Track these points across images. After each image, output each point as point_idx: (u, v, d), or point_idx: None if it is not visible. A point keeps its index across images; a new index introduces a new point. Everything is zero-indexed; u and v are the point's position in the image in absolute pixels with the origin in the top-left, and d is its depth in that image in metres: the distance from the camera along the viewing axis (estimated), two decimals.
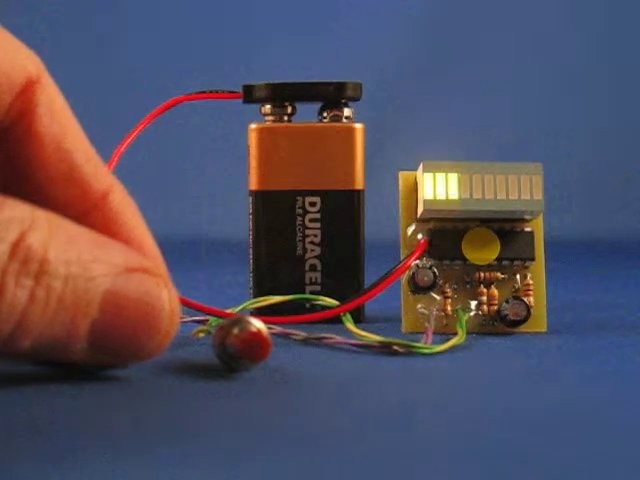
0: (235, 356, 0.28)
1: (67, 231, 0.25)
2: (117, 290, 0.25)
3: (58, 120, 0.27)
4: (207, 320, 0.36)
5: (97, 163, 0.27)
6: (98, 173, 0.27)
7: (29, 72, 0.26)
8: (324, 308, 0.37)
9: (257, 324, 0.28)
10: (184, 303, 0.33)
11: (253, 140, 0.40)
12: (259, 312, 0.38)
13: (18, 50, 0.26)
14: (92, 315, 0.25)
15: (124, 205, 0.28)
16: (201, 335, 0.34)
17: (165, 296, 0.26)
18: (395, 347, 0.32)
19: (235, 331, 0.28)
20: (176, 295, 0.26)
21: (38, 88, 0.26)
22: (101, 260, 0.25)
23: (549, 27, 1.01)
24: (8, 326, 0.24)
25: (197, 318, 0.36)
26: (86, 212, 0.27)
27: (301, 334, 0.34)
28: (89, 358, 0.26)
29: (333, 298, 0.37)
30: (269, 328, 0.28)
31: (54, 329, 0.25)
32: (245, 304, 0.38)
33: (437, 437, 0.23)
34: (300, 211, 0.40)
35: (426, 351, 0.32)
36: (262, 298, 0.39)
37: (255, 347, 0.28)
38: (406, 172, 0.38)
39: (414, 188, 0.38)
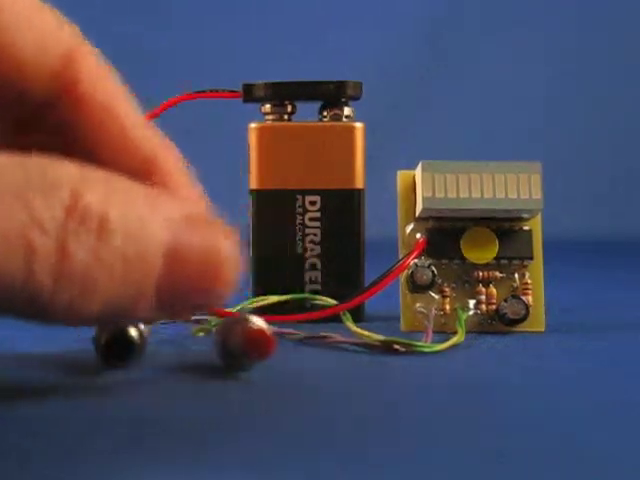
0: (238, 355, 0.28)
1: (121, 186, 0.24)
2: (178, 242, 0.24)
3: (104, 86, 0.27)
4: (206, 319, 0.36)
5: (145, 125, 0.27)
6: (147, 135, 0.27)
7: (67, 43, 0.26)
8: (323, 307, 0.37)
9: (259, 322, 0.28)
10: None
11: (253, 139, 0.41)
12: (258, 311, 0.38)
13: (55, 21, 0.26)
14: (157, 272, 0.24)
15: (175, 166, 0.27)
16: (200, 334, 0.34)
17: (226, 245, 0.25)
18: (396, 346, 0.32)
19: (238, 330, 0.28)
20: (236, 243, 0.26)
21: (79, 57, 0.26)
22: (159, 213, 0.24)
23: (549, 27, 1.01)
24: (75, 290, 0.23)
25: (196, 317, 0.36)
26: (138, 174, 0.26)
27: (301, 333, 0.34)
28: (156, 315, 0.25)
29: (333, 297, 0.38)
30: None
31: (122, 289, 0.24)
32: (244, 303, 0.38)
33: (438, 437, 0.23)
34: (300, 210, 0.40)
35: (427, 350, 0.33)
36: (261, 297, 0.39)
37: (259, 345, 0.27)
38: (404, 171, 0.38)
39: (412, 187, 0.38)
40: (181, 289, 0.24)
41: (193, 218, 0.25)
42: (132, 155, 0.27)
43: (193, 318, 0.36)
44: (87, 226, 0.23)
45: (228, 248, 0.25)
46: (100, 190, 0.23)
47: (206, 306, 0.26)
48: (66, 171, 0.23)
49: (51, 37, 0.26)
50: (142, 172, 0.27)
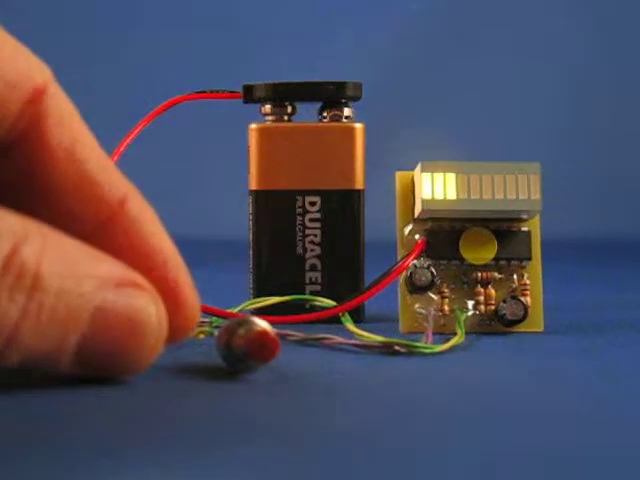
0: (242, 357, 0.28)
1: (59, 243, 0.25)
2: (106, 305, 0.25)
3: (68, 130, 0.26)
4: (207, 321, 0.35)
5: (111, 171, 0.27)
6: (113, 181, 0.27)
7: (35, 81, 0.25)
8: (323, 308, 0.37)
9: (263, 324, 0.28)
10: None
11: (253, 140, 0.41)
12: (258, 312, 0.38)
13: (24, 58, 0.26)
14: (81, 330, 0.25)
15: (141, 212, 0.27)
16: (201, 336, 0.34)
17: (153, 311, 0.26)
18: (396, 347, 0.32)
19: (241, 332, 0.28)
20: (164, 310, 0.26)
21: (46, 98, 0.26)
22: (92, 274, 0.25)
23: (549, 26, 1.01)
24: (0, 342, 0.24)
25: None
26: (103, 222, 0.27)
27: (302, 335, 0.34)
28: (75, 371, 0.25)
29: (333, 298, 0.38)
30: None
31: (44, 344, 0.24)
32: (243, 305, 0.38)
33: (439, 437, 0.23)
34: (300, 211, 0.40)
35: (427, 351, 0.33)
36: (260, 299, 0.39)
37: (263, 347, 0.27)
38: (403, 172, 0.38)
39: (411, 188, 0.38)
40: (103, 349, 0.25)
41: (125, 281, 0.25)
42: (97, 203, 0.27)
43: None
44: (20, 283, 0.23)
45: (154, 314, 0.26)
46: (37, 246, 0.24)
47: (129, 369, 0.26)
48: (8, 226, 0.24)
49: (21, 75, 0.25)
50: (109, 220, 0.27)
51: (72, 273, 0.24)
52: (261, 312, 0.37)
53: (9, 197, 0.26)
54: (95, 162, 0.27)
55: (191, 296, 0.27)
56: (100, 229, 0.26)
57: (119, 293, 0.25)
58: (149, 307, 0.26)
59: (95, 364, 0.25)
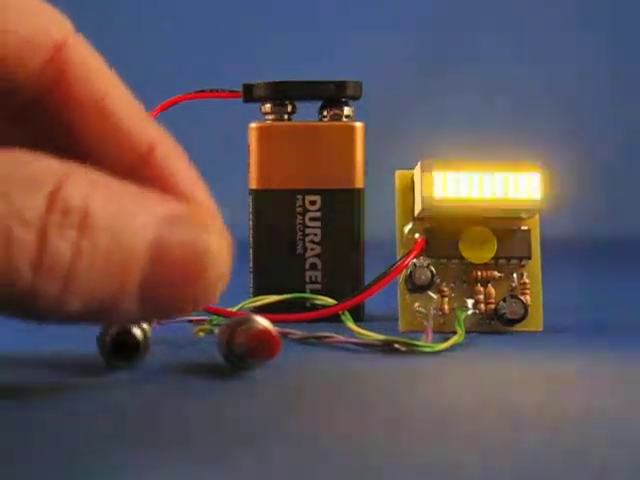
0: (243, 355, 0.28)
1: (106, 183, 0.24)
2: (163, 239, 0.24)
3: (94, 80, 0.26)
4: (207, 319, 0.36)
5: (141, 117, 0.26)
6: (142, 127, 0.26)
7: (55, 37, 0.25)
8: (323, 307, 0.37)
9: (264, 323, 0.28)
10: None
11: (253, 139, 0.41)
12: (258, 311, 0.38)
13: (41, 13, 0.25)
14: (140, 267, 0.23)
15: (172, 158, 0.26)
16: (201, 334, 0.34)
17: (213, 241, 0.24)
18: (396, 346, 0.33)
19: (242, 330, 0.28)
20: (225, 239, 0.25)
21: (67, 52, 0.26)
22: (144, 210, 0.24)
23: (549, 26, 1.01)
24: (56, 284, 0.22)
25: (196, 317, 0.36)
26: (133, 168, 0.26)
27: (302, 333, 0.34)
28: (139, 314, 0.24)
29: (333, 297, 0.38)
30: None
31: (104, 285, 0.23)
32: (243, 303, 0.38)
33: (439, 436, 0.23)
34: (300, 210, 0.40)
35: (428, 349, 0.33)
36: (260, 297, 0.39)
37: (264, 346, 0.27)
38: (402, 171, 0.38)
39: (410, 187, 0.38)
40: (165, 285, 0.24)
41: (179, 215, 0.24)
42: (128, 150, 0.26)
43: (194, 318, 0.36)
44: (68, 219, 0.22)
45: (215, 246, 0.24)
46: (83, 185, 0.23)
47: (191, 306, 0.25)
48: (49, 166, 0.23)
49: (40, 29, 0.25)
50: (138, 167, 0.26)
51: (123, 210, 0.23)
52: (261, 310, 0.37)
53: (41, 150, 0.25)
54: (124, 110, 0.26)
55: (224, 247, 0.25)
56: (130, 174, 0.25)
57: (174, 225, 0.24)
58: (207, 237, 0.24)
59: (159, 303, 0.24)
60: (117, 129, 0.26)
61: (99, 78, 0.26)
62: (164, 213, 0.24)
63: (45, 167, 0.23)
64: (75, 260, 0.23)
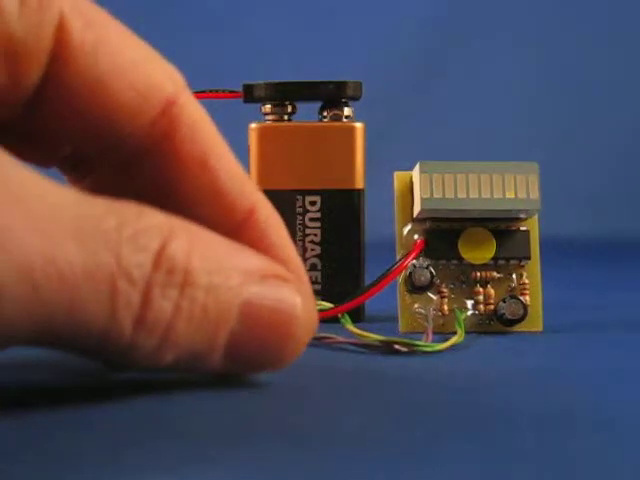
0: None
1: (204, 238, 0.24)
2: (253, 299, 0.25)
3: (201, 139, 0.26)
4: None
5: (242, 180, 0.27)
6: (243, 191, 0.27)
7: (167, 92, 0.26)
8: (322, 310, 0.37)
9: None
10: None
11: (253, 139, 0.41)
12: None
13: (156, 67, 0.26)
14: (231, 324, 0.24)
15: (270, 223, 0.27)
16: None
17: (299, 302, 0.25)
18: (397, 346, 0.33)
19: None
20: (313, 302, 0.26)
21: (178, 108, 0.26)
22: (238, 267, 0.25)
23: (548, 27, 1.01)
24: (154, 339, 0.23)
25: None
26: (232, 230, 0.27)
27: None
28: (224, 368, 0.25)
29: (333, 297, 0.37)
30: None
31: (196, 341, 0.24)
32: None
33: (439, 437, 0.23)
34: (300, 210, 0.40)
35: (428, 350, 0.33)
36: None
37: None
38: (401, 172, 0.38)
39: (409, 188, 0.38)
40: (251, 344, 0.25)
41: (270, 274, 0.25)
42: (229, 212, 0.27)
43: None
44: (172, 279, 0.23)
45: (300, 306, 0.25)
46: (185, 240, 0.24)
47: (277, 363, 0.26)
48: (157, 221, 0.23)
49: (154, 84, 0.26)
50: (238, 229, 0.27)
51: (219, 267, 0.24)
52: None
53: (147, 200, 0.25)
54: (226, 171, 0.27)
55: (311, 310, 0.26)
56: (229, 236, 0.26)
57: (265, 285, 0.25)
58: (295, 298, 0.25)
59: (244, 359, 0.25)
60: (219, 191, 0.27)
61: (205, 136, 0.27)
62: (258, 270, 0.25)
63: (152, 222, 0.23)
64: (174, 318, 0.23)
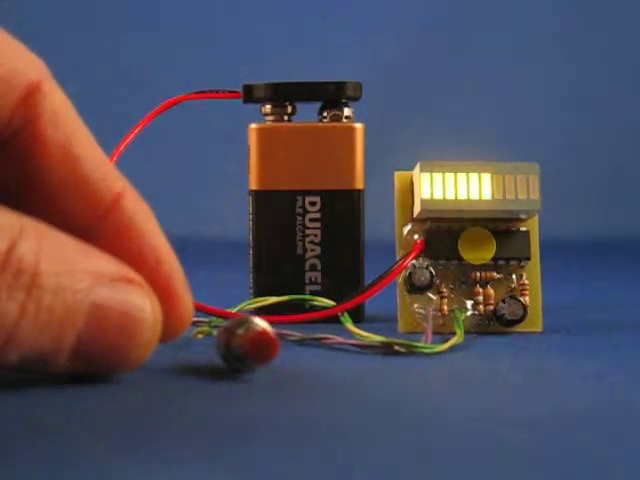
0: (242, 357, 0.28)
1: (55, 240, 0.25)
2: (102, 302, 0.25)
3: (63, 127, 0.26)
4: (205, 321, 0.35)
5: (106, 168, 0.27)
6: (108, 179, 0.27)
7: (29, 79, 0.25)
8: (322, 308, 0.37)
9: (263, 324, 0.28)
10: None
11: (253, 140, 0.41)
12: (257, 312, 0.38)
13: (18, 55, 0.26)
14: (78, 327, 0.25)
15: (137, 210, 0.27)
16: (200, 336, 0.34)
17: (148, 307, 0.26)
18: (396, 347, 0.33)
19: (241, 332, 0.28)
20: (159, 305, 0.26)
21: (40, 95, 0.26)
22: (88, 270, 0.25)
23: (547, 27, 1.01)
24: None
25: (195, 319, 0.36)
26: (97, 219, 0.26)
27: (301, 335, 0.34)
28: (70, 369, 0.25)
29: (333, 297, 0.38)
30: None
31: (42, 342, 0.24)
32: (242, 304, 0.38)
33: (439, 437, 0.23)
34: (300, 211, 0.40)
35: (427, 351, 0.33)
36: (260, 298, 0.39)
37: (263, 347, 0.27)
38: (401, 172, 0.38)
39: (409, 188, 0.38)
40: (98, 346, 0.25)
41: (119, 277, 0.25)
42: (92, 200, 0.27)
43: (193, 319, 0.36)
44: (19, 281, 0.23)
45: (149, 309, 0.26)
46: (35, 242, 0.24)
47: (123, 366, 0.26)
48: (6, 221, 0.24)
49: (16, 70, 0.25)
50: (103, 218, 0.27)
51: (68, 270, 0.24)
52: (261, 312, 0.37)
53: (3, 194, 0.26)
54: (90, 159, 0.26)
55: (184, 294, 0.27)
56: (94, 225, 0.26)
57: (114, 289, 0.25)
58: (144, 302, 0.26)
59: (90, 361, 0.25)
60: (82, 180, 0.26)
61: (69, 124, 0.26)
62: (106, 274, 0.25)
63: (2, 221, 0.23)
64: (19, 320, 0.24)
